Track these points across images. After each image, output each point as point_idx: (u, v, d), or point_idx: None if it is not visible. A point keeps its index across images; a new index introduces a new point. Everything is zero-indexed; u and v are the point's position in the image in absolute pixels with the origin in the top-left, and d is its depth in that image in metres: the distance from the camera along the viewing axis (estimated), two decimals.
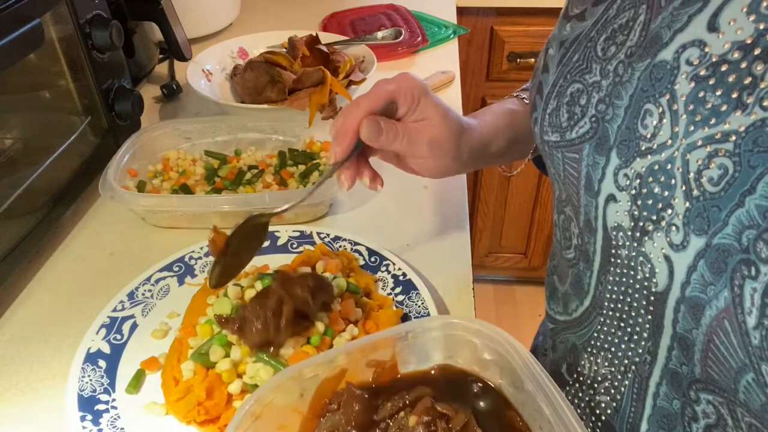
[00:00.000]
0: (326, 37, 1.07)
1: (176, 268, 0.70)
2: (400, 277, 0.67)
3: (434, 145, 0.57)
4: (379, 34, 1.19)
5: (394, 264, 0.68)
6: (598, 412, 0.51)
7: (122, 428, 0.53)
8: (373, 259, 0.70)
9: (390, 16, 1.33)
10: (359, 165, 0.58)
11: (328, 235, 0.73)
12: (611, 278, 0.45)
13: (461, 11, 1.45)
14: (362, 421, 0.46)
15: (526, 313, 2.00)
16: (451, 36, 1.27)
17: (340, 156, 0.55)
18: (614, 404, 0.49)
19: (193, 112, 1.04)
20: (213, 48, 1.07)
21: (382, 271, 0.68)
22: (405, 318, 0.62)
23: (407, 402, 0.47)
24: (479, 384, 0.50)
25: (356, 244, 0.71)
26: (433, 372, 0.51)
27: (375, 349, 0.49)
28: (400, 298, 0.65)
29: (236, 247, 0.56)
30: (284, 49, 1.03)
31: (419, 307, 0.63)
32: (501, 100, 0.67)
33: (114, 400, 0.56)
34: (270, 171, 0.84)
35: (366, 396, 0.48)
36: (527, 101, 0.64)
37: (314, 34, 1.02)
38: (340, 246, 0.71)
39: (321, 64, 0.94)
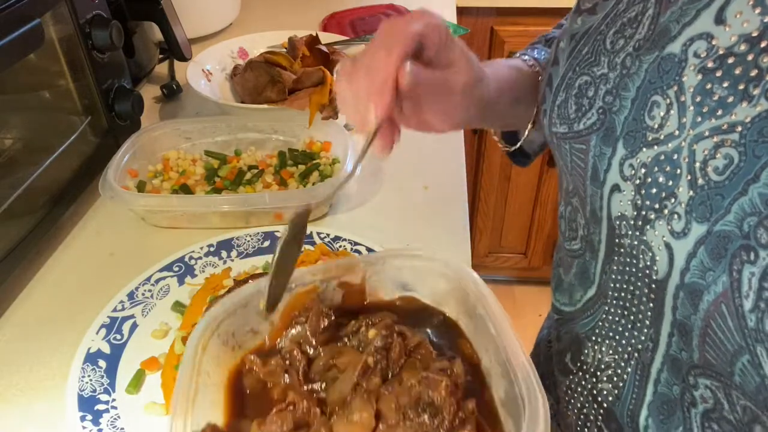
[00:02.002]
0: (326, 37, 1.07)
1: (176, 268, 0.70)
2: None
3: (467, 92, 0.50)
4: None
5: None
6: (600, 399, 0.51)
7: (122, 428, 0.53)
8: None
9: (390, 16, 1.33)
10: (392, 125, 0.47)
11: (328, 235, 0.73)
12: (615, 267, 0.46)
13: (461, 11, 1.45)
14: (326, 334, 0.50)
15: (526, 313, 1.99)
16: None
17: (383, 114, 0.45)
18: (616, 391, 0.49)
19: (193, 112, 1.04)
20: (213, 48, 1.07)
21: None
22: None
23: (370, 323, 0.50)
24: (439, 316, 0.53)
25: (356, 244, 0.71)
26: (397, 302, 0.54)
27: (346, 271, 0.52)
28: None
29: (280, 260, 0.47)
30: (284, 49, 1.03)
31: None
32: (503, 59, 0.64)
33: (114, 400, 0.56)
34: (270, 171, 0.84)
35: (332, 314, 0.51)
36: (530, 62, 0.62)
37: (314, 34, 1.02)
38: (340, 246, 0.71)
39: (321, 64, 0.94)
